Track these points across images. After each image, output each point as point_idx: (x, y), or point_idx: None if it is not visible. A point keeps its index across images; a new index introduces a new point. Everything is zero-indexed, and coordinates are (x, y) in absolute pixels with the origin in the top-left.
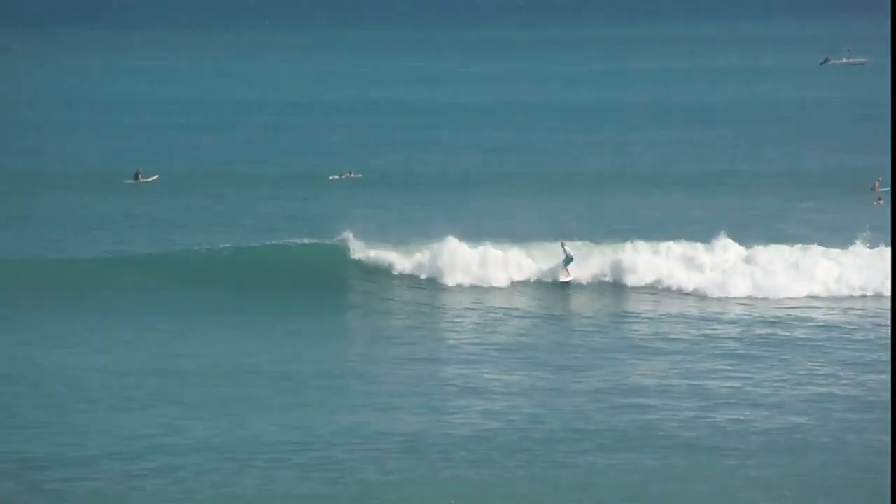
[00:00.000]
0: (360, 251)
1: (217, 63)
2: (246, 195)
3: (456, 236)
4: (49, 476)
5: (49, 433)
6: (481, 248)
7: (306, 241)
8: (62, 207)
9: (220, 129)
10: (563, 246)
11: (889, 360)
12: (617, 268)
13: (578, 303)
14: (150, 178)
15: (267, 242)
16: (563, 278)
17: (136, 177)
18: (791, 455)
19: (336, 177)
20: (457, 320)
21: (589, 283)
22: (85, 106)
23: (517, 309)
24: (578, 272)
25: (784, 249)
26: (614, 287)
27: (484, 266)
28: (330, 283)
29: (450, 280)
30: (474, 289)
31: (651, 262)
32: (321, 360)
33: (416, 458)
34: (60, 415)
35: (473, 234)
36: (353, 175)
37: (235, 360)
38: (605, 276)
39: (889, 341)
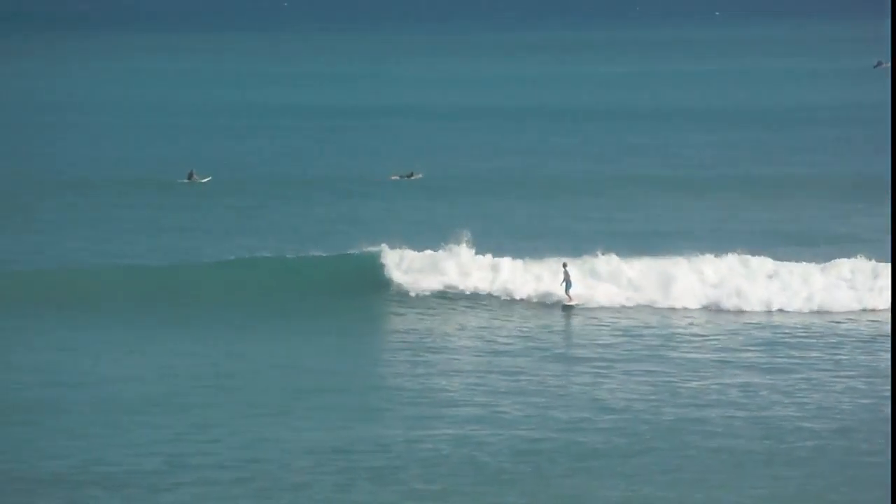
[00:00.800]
0: (407, 260)
1: (267, 66)
2: (298, 199)
3: (503, 247)
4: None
5: (113, 433)
6: (521, 261)
7: (353, 251)
8: (111, 212)
9: (275, 132)
10: (564, 267)
11: None
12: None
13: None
14: (204, 179)
15: (311, 251)
16: (567, 302)
17: (189, 177)
18: None
19: (396, 177)
20: (501, 331)
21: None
22: (129, 109)
23: (558, 322)
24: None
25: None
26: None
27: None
28: (369, 292)
29: (496, 293)
30: (523, 303)
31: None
32: (358, 370)
33: (463, 467)
34: (132, 415)
35: (518, 245)
36: (415, 176)
37: (274, 370)
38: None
39: None
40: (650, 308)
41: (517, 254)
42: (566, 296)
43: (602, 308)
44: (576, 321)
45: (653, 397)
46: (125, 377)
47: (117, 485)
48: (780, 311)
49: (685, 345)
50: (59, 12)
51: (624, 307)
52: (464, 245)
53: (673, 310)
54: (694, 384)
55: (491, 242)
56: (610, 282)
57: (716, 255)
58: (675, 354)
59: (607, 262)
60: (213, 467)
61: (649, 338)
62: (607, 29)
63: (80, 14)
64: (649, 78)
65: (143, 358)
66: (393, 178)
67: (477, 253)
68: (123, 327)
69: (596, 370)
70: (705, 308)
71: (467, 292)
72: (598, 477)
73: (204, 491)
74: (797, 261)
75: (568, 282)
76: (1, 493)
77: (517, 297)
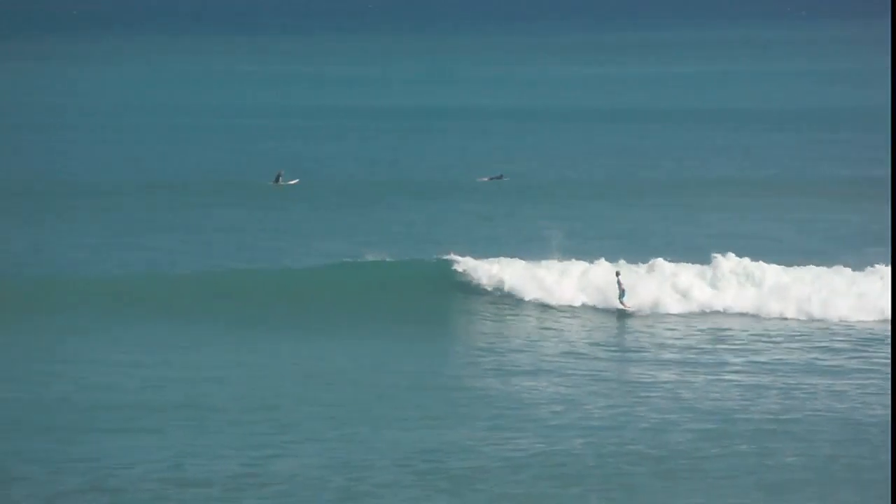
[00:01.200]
0: (489, 265)
1: (355, 68)
2: (386, 202)
3: (580, 254)
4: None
5: (199, 434)
6: (597, 266)
7: (438, 255)
8: (198, 215)
9: (363, 134)
10: (617, 276)
11: None
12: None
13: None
14: (292, 182)
15: (401, 255)
16: (628, 309)
17: (276, 179)
18: None
19: (485, 179)
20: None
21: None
22: (212, 112)
23: (621, 330)
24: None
25: None
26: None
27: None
28: (453, 295)
29: (567, 299)
30: (588, 308)
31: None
32: (441, 373)
33: (530, 474)
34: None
35: (607, 248)
36: (502, 178)
37: (357, 373)
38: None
39: None
40: (741, 316)
41: (607, 258)
42: (620, 303)
43: (702, 314)
44: (662, 325)
45: (738, 400)
46: (212, 378)
47: (200, 483)
48: (860, 319)
49: (773, 349)
50: (126, 13)
51: (715, 312)
52: (552, 250)
53: (759, 317)
54: (780, 387)
55: (579, 247)
56: (737, 285)
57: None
58: (762, 359)
59: (728, 263)
60: (296, 468)
61: (734, 341)
62: (694, 29)
63: (148, 14)
64: (734, 77)
65: (226, 359)
66: (481, 180)
67: (564, 258)
68: (209, 329)
69: (680, 373)
70: (793, 313)
71: (553, 297)
72: (682, 480)
73: (288, 489)
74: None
75: (622, 290)
76: (95, 494)
77: (605, 305)
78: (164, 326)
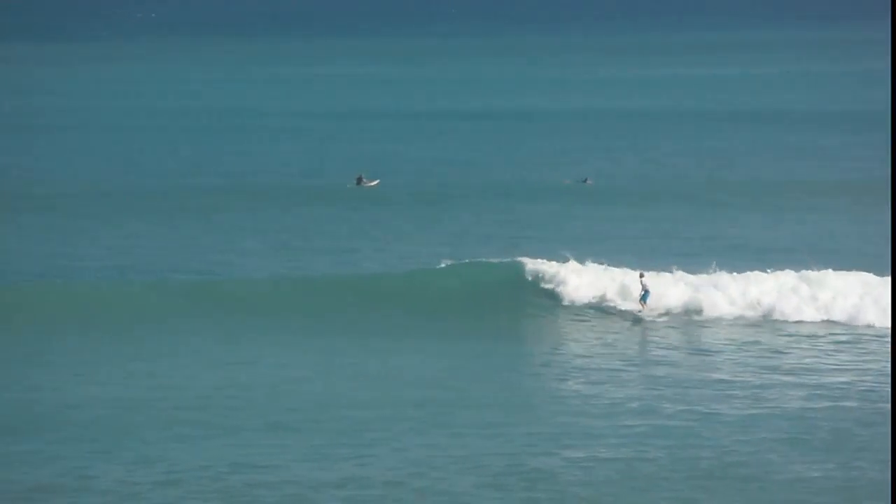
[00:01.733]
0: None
1: (440, 70)
2: (469, 204)
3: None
4: None
5: (269, 436)
6: (672, 275)
7: (520, 258)
8: (279, 217)
9: (450, 135)
10: (641, 278)
11: None
12: None
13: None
14: (373, 183)
15: (486, 257)
16: (640, 312)
17: (358, 181)
18: None
19: (569, 181)
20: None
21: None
22: (282, 115)
23: (691, 336)
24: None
25: None
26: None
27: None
28: (537, 300)
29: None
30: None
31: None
32: (503, 380)
33: (615, 480)
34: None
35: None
36: (588, 182)
37: (419, 380)
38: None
39: None
40: (830, 323)
41: (681, 266)
42: (641, 305)
43: (799, 322)
44: (747, 332)
45: (823, 407)
46: (291, 381)
47: (273, 486)
48: None
49: (857, 355)
50: (198, 16)
51: (824, 320)
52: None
53: (842, 324)
54: (862, 393)
55: (657, 255)
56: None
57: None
58: (846, 364)
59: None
60: (375, 472)
61: (824, 345)
62: (769, 29)
63: (223, 17)
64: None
65: (305, 363)
66: (566, 182)
67: (641, 266)
68: (286, 333)
69: (759, 378)
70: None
71: (629, 304)
72: (756, 484)
73: (356, 494)
74: None
75: (646, 291)
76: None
77: (680, 310)
78: (244, 329)
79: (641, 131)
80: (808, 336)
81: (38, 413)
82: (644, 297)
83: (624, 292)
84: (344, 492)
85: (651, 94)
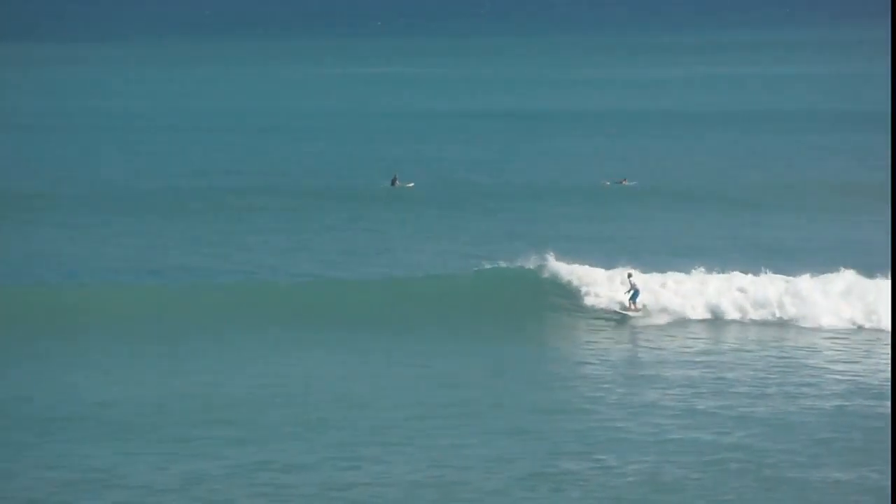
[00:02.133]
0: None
1: (479, 70)
2: (503, 205)
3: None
4: None
5: (302, 434)
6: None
7: (550, 260)
8: (312, 217)
9: (486, 136)
10: (629, 277)
11: None
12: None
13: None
14: (408, 185)
15: (516, 262)
16: (629, 312)
17: (392, 182)
18: None
19: (608, 183)
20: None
21: None
22: (319, 116)
23: (715, 340)
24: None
25: None
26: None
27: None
28: (569, 304)
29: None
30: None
31: None
32: (524, 386)
33: (643, 482)
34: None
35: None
36: (625, 182)
37: (442, 386)
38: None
39: None
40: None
41: (720, 269)
42: (630, 305)
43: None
44: (778, 334)
45: (857, 406)
46: (324, 381)
47: (300, 485)
48: None
49: None
50: (244, 16)
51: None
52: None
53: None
54: None
55: (695, 257)
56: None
57: None
58: None
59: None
60: (394, 472)
61: (854, 347)
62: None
63: (263, 17)
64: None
65: (333, 362)
66: (605, 183)
67: (681, 268)
68: (319, 335)
69: (798, 380)
70: None
71: (675, 308)
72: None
73: (383, 492)
74: None
75: (635, 291)
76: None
77: (718, 314)
78: (275, 330)
79: (676, 131)
80: (838, 338)
81: (71, 411)
82: (634, 297)
83: (656, 296)
84: (371, 490)
85: (698, 93)
